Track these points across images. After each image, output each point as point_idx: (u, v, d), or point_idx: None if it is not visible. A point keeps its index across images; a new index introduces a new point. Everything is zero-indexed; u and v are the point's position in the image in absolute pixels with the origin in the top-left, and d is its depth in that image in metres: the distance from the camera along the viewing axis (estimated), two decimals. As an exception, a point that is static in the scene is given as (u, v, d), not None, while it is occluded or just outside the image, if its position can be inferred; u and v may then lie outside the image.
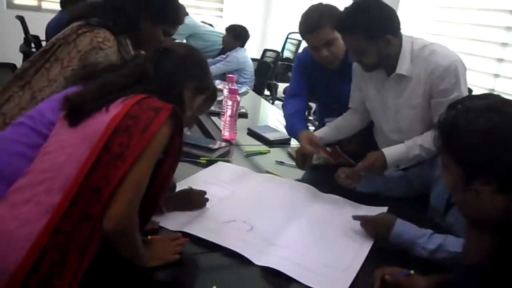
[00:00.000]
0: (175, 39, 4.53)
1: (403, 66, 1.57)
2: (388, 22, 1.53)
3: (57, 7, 6.28)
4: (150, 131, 0.96)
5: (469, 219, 1.00)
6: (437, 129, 1.00)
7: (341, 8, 1.64)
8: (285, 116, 2.10)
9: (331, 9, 1.83)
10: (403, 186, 1.64)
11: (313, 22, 1.79)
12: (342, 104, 1.91)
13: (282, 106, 2.19)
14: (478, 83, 3.30)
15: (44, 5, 6.41)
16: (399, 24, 1.56)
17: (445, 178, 1.02)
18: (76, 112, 1.02)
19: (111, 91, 1.05)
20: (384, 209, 1.49)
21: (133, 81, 1.09)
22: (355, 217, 1.34)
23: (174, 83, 1.12)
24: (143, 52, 1.69)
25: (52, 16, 4.40)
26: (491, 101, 0.97)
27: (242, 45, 4.15)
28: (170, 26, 1.64)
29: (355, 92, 1.84)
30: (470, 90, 2.74)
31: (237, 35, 4.17)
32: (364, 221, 1.32)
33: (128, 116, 0.97)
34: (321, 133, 1.86)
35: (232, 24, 4.36)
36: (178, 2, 1.65)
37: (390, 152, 1.60)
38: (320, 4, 1.89)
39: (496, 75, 3.35)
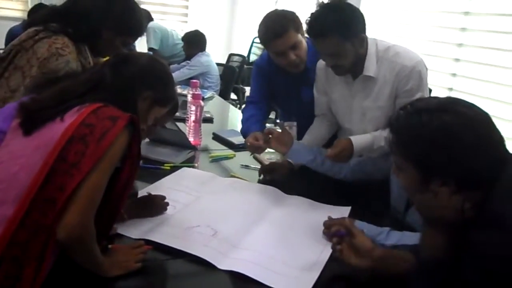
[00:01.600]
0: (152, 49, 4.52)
1: (370, 68, 1.60)
2: (359, 21, 1.56)
3: (16, 14, 6.15)
4: (106, 140, 0.95)
5: (426, 218, 1.01)
6: (389, 132, 1.00)
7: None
8: (242, 122, 2.12)
9: (290, 13, 1.85)
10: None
11: (278, 27, 1.78)
12: (301, 108, 1.94)
13: (242, 112, 2.21)
14: (437, 82, 3.41)
15: (1, 12, 6.21)
16: (365, 24, 1.58)
17: (400, 180, 1.02)
18: (31, 119, 1.00)
19: (68, 99, 1.03)
20: (347, 209, 1.52)
21: (90, 88, 1.07)
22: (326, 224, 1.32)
23: (129, 92, 1.10)
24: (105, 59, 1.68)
25: (8, 23, 4.26)
26: (442, 100, 0.98)
27: (202, 50, 4.14)
28: (131, 37, 1.64)
29: (320, 97, 1.84)
30: (430, 90, 2.83)
31: (191, 42, 4.17)
32: (325, 226, 1.31)
33: (84, 125, 0.96)
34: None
35: (187, 32, 4.37)
36: (141, 14, 1.65)
37: (357, 140, 1.61)
38: (276, 10, 1.92)
39: (454, 75, 3.47)
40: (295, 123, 2.02)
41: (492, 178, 0.90)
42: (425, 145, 0.92)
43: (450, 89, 3.46)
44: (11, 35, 3.86)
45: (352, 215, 1.47)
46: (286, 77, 1.97)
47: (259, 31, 1.87)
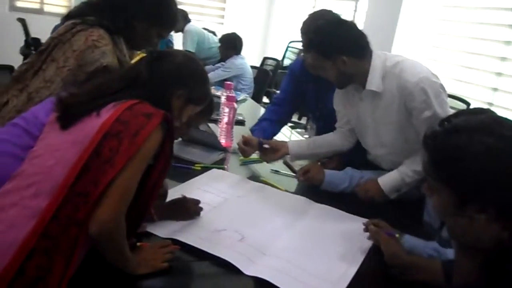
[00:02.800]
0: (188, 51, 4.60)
1: (373, 83, 1.58)
2: (344, 44, 1.56)
3: (60, 10, 6.37)
4: (140, 136, 0.95)
5: (459, 242, 0.95)
6: (425, 152, 0.93)
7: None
8: (258, 120, 2.22)
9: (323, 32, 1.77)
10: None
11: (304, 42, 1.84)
12: (328, 112, 1.94)
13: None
14: (477, 96, 3.30)
15: (47, 8, 6.44)
16: (362, 46, 1.59)
17: (434, 202, 0.95)
18: (68, 114, 1.02)
19: (104, 95, 1.04)
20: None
21: (126, 85, 1.08)
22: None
23: (164, 89, 1.11)
24: (139, 53, 1.71)
25: (53, 19, 4.40)
26: (484, 120, 0.90)
27: (237, 53, 4.16)
28: (165, 29, 1.65)
29: (340, 110, 1.85)
30: (468, 104, 2.74)
31: (228, 44, 4.20)
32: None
33: (119, 121, 0.97)
34: (295, 146, 1.88)
35: (224, 34, 4.40)
36: (176, 7, 1.66)
37: (384, 181, 1.62)
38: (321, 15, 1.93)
39: (495, 89, 3.36)
40: (315, 126, 2.13)
41: None
42: (464, 169, 0.84)
43: (490, 104, 3.34)
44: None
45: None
46: (317, 84, 1.98)
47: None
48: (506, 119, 0.91)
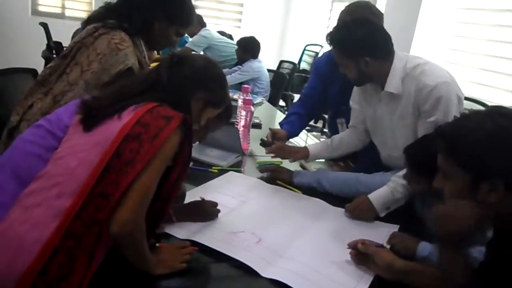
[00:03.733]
0: (193, 51, 4.63)
1: (392, 84, 1.57)
2: (367, 44, 1.55)
3: (81, 15, 6.50)
4: (160, 138, 0.97)
5: (447, 235, 0.99)
6: (437, 136, 1.00)
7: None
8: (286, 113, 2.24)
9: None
10: None
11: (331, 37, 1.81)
12: (349, 112, 1.93)
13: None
14: (495, 99, 3.25)
15: (68, 12, 6.58)
16: (385, 47, 1.58)
17: (446, 188, 1.00)
18: (91, 116, 1.04)
19: (125, 98, 1.07)
20: (396, 227, 1.47)
21: (146, 88, 1.11)
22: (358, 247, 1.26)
23: (184, 92, 1.13)
24: (157, 54, 1.73)
25: (74, 23, 4.48)
26: (491, 107, 1.00)
27: (254, 56, 4.17)
28: (183, 26, 1.67)
29: (356, 108, 1.84)
30: (487, 107, 2.71)
31: (246, 48, 4.20)
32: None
33: (139, 124, 0.99)
34: (315, 147, 1.90)
35: (242, 37, 4.40)
36: (191, 3, 1.69)
37: (375, 197, 1.55)
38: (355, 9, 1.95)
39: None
40: (344, 120, 2.09)
41: None
42: (479, 147, 0.91)
43: (510, 107, 3.28)
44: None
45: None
46: (344, 78, 1.97)
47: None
48: (505, 107, 1.01)
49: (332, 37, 1.62)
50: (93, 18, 1.61)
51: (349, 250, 1.23)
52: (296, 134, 2.25)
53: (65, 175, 0.97)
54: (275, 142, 1.94)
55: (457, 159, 0.95)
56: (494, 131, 0.90)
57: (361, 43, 1.55)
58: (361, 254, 1.19)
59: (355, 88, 1.83)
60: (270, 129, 2.00)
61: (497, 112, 0.94)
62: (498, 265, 0.89)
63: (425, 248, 1.25)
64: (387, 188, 1.55)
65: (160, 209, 1.08)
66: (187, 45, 4.75)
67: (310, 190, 1.76)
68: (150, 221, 1.02)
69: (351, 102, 1.87)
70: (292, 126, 2.16)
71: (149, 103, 1.04)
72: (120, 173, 0.95)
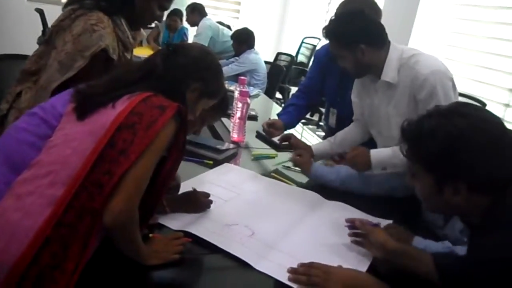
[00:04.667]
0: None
1: (388, 74, 1.60)
2: (363, 33, 1.58)
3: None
4: (154, 128, 0.97)
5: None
6: (401, 137, 1.01)
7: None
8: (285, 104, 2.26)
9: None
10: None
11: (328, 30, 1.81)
12: (346, 100, 1.95)
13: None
14: (493, 97, 3.26)
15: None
16: (380, 36, 1.62)
17: (416, 187, 1.03)
18: (84, 105, 1.03)
19: (120, 87, 1.06)
20: (389, 222, 1.47)
21: (141, 77, 1.10)
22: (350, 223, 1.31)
23: (179, 82, 1.13)
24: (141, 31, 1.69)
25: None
26: (452, 104, 1.01)
27: (250, 47, 4.15)
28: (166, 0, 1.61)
29: (356, 101, 1.86)
30: (484, 104, 2.71)
31: (240, 40, 4.19)
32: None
33: (134, 113, 0.98)
34: (319, 146, 1.92)
35: (235, 30, 4.40)
36: None
37: (376, 152, 1.63)
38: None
39: (511, 90, 3.30)
40: (335, 111, 2.16)
41: (505, 184, 0.89)
42: (437, 149, 0.92)
43: (507, 105, 3.29)
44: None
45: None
46: (341, 72, 1.99)
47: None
48: (473, 104, 1.03)
49: (327, 30, 1.65)
50: (71, 0, 1.55)
51: (341, 242, 1.25)
52: (294, 125, 2.27)
53: (58, 164, 0.97)
54: (271, 130, 2.04)
55: (419, 162, 0.97)
56: (452, 133, 0.90)
57: (356, 31, 1.58)
58: (356, 235, 1.22)
59: (356, 81, 1.84)
60: (269, 119, 2.04)
61: (456, 111, 0.94)
62: (473, 255, 0.92)
63: (419, 242, 1.26)
64: (389, 149, 1.60)
65: (153, 199, 1.08)
66: (195, 39, 4.75)
67: (305, 183, 1.76)
68: (143, 211, 1.02)
69: (352, 95, 1.88)
70: (290, 117, 2.19)
71: (143, 93, 1.03)
72: (113, 163, 0.94)
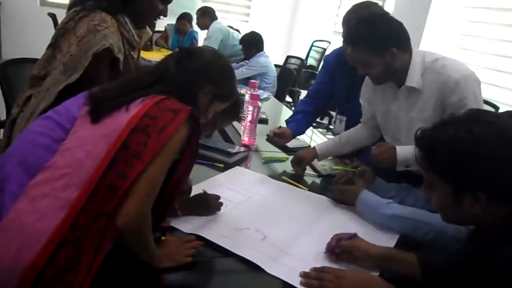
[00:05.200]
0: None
1: (413, 79, 1.57)
2: (393, 36, 1.54)
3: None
4: (167, 131, 0.97)
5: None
6: (416, 146, 0.98)
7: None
8: (293, 112, 2.24)
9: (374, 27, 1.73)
10: None
11: (350, 36, 1.77)
12: (355, 107, 1.94)
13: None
14: (506, 100, 3.22)
15: None
16: (407, 39, 1.57)
17: (432, 199, 0.99)
18: (98, 108, 1.04)
19: (133, 90, 1.07)
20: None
21: (154, 80, 1.11)
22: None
23: (191, 85, 1.13)
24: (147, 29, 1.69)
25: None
26: (468, 112, 0.97)
27: (260, 50, 4.15)
28: None
29: (365, 105, 1.85)
30: (496, 107, 2.68)
31: (248, 44, 4.20)
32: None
33: (147, 116, 0.99)
34: (322, 146, 1.90)
35: (243, 35, 4.40)
36: None
37: (401, 149, 1.59)
38: (367, 7, 1.91)
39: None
40: (345, 118, 2.13)
41: None
42: (454, 157, 0.89)
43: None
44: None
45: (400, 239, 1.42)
46: (351, 76, 1.99)
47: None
48: (486, 110, 0.99)
49: (353, 35, 1.56)
50: (73, 3, 1.56)
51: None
52: (302, 132, 2.25)
53: (72, 167, 0.97)
54: (278, 140, 2.05)
55: (437, 172, 0.94)
56: (470, 142, 0.87)
57: (387, 34, 1.53)
58: (341, 254, 1.19)
59: (364, 85, 1.82)
60: (276, 129, 2.02)
61: (474, 119, 0.91)
62: (497, 266, 0.88)
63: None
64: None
65: (166, 202, 1.08)
66: (205, 42, 4.77)
67: (317, 188, 1.76)
68: (155, 214, 1.02)
69: (360, 99, 1.86)
70: (299, 125, 2.18)
71: (156, 96, 1.04)
72: (127, 165, 0.95)
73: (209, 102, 1.19)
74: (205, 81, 1.16)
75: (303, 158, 1.86)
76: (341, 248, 1.17)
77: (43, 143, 1.04)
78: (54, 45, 1.55)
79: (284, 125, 2.27)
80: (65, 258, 0.90)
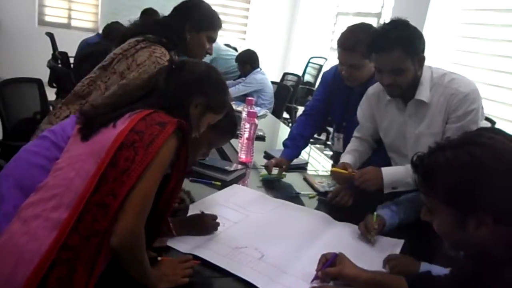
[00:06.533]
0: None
1: (423, 93, 1.57)
2: (421, 41, 1.54)
3: (86, 25, 6.57)
4: (154, 145, 0.96)
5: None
6: (414, 172, 0.95)
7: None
8: (290, 132, 2.19)
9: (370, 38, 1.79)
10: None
11: (349, 42, 1.82)
12: (351, 125, 1.94)
13: (296, 119, 2.34)
14: (498, 114, 3.23)
15: (74, 23, 6.64)
16: (425, 46, 1.57)
17: (434, 224, 0.96)
18: (88, 125, 1.03)
19: (121, 105, 1.06)
20: (401, 242, 1.46)
21: (143, 94, 1.10)
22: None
23: (182, 98, 1.12)
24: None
25: (80, 34, 4.52)
26: (464, 135, 0.96)
27: (255, 67, 4.17)
28: (212, 31, 1.78)
29: (366, 122, 1.83)
30: (493, 122, 2.69)
31: (244, 61, 4.22)
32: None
33: (134, 131, 0.98)
34: (351, 162, 1.78)
35: (239, 53, 4.43)
36: (208, 5, 1.80)
37: (389, 170, 1.60)
38: (364, 24, 1.91)
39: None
40: (342, 135, 2.11)
41: None
42: (455, 181, 0.87)
43: (515, 122, 3.26)
44: (86, 44, 4.13)
45: (404, 249, 1.41)
46: (348, 94, 1.99)
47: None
48: (483, 130, 0.97)
49: (394, 38, 1.49)
50: (131, 33, 1.69)
51: (356, 263, 1.19)
52: (298, 155, 2.18)
53: (62, 186, 0.96)
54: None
55: (438, 197, 0.91)
56: (470, 164, 0.86)
57: (420, 39, 1.53)
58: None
59: (365, 103, 1.81)
60: (270, 163, 1.97)
61: (470, 141, 0.90)
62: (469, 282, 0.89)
63: (426, 268, 1.21)
64: (402, 168, 1.58)
65: (159, 217, 1.06)
66: None
67: (315, 205, 1.74)
68: (148, 231, 1.00)
69: (359, 117, 1.85)
70: (295, 150, 2.11)
71: (144, 110, 1.03)
72: (116, 182, 0.93)
73: (200, 114, 1.17)
74: (195, 93, 1.14)
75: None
76: (328, 276, 1.15)
77: (39, 163, 1.04)
78: (106, 67, 1.62)
79: (281, 139, 2.23)
80: (57, 278, 0.89)
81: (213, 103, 1.18)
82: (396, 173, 1.60)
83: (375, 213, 1.49)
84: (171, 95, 1.10)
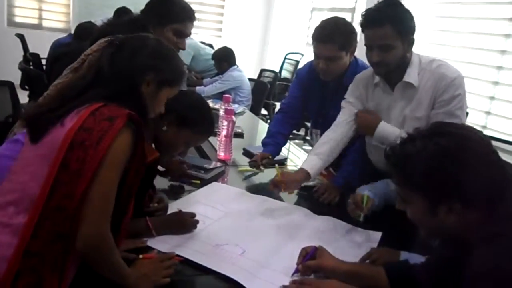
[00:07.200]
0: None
1: (411, 75, 1.60)
2: (413, 23, 1.57)
3: (58, 25, 6.42)
4: (104, 143, 0.91)
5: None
6: (387, 163, 1.00)
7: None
8: (268, 131, 2.18)
9: (348, 29, 1.87)
10: None
11: (325, 34, 1.84)
12: (330, 119, 1.89)
13: (273, 117, 2.32)
14: (474, 105, 3.32)
15: (45, 23, 6.49)
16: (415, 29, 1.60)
17: (408, 212, 1.00)
18: (34, 126, 0.98)
19: (67, 100, 1.00)
20: (378, 234, 1.48)
21: (89, 84, 1.03)
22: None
23: (130, 80, 1.04)
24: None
25: (52, 34, 4.41)
26: (434, 124, 1.01)
27: (232, 64, 4.16)
28: (178, 23, 1.70)
29: (354, 100, 1.78)
30: (466, 113, 2.75)
31: (222, 58, 4.21)
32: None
33: (83, 129, 0.93)
34: (312, 166, 1.74)
35: (215, 51, 4.41)
36: (184, 1, 1.74)
37: (385, 126, 1.65)
38: (339, 19, 1.92)
39: (492, 98, 3.37)
40: (319, 131, 2.08)
41: (495, 197, 0.90)
42: (424, 169, 0.92)
43: (488, 112, 3.36)
44: (59, 45, 4.04)
45: (383, 241, 1.44)
46: (322, 88, 1.99)
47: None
48: (452, 123, 1.05)
49: (385, 14, 1.52)
50: (102, 34, 1.62)
51: (336, 256, 1.21)
52: (279, 153, 2.19)
53: (18, 191, 0.93)
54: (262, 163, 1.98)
55: (409, 186, 0.96)
56: (437, 154, 0.91)
57: (411, 21, 1.56)
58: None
59: (352, 84, 1.81)
60: (258, 157, 1.99)
61: (438, 132, 0.95)
62: (473, 270, 0.90)
63: (405, 257, 1.24)
64: (397, 130, 1.62)
65: (120, 213, 1.00)
66: None
67: (295, 199, 1.75)
68: (112, 226, 0.95)
69: (346, 96, 1.81)
70: (276, 147, 2.12)
71: (93, 104, 0.97)
72: (71, 185, 0.89)
73: (155, 91, 1.08)
74: (144, 70, 1.05)
75: (294, 181, 1.70)
76: (308, 269, 1.17)
77: (9, 166, 1.01)
78: (77, 70, 1.56)
79: (261, 139, 2.23)
80: (24, 287, 0.86)
81: (165, 76, 1.09)
82: (389, 129, 1.63)
83: (364, 194, 1.51)
84: (119, 79, 1.02)
